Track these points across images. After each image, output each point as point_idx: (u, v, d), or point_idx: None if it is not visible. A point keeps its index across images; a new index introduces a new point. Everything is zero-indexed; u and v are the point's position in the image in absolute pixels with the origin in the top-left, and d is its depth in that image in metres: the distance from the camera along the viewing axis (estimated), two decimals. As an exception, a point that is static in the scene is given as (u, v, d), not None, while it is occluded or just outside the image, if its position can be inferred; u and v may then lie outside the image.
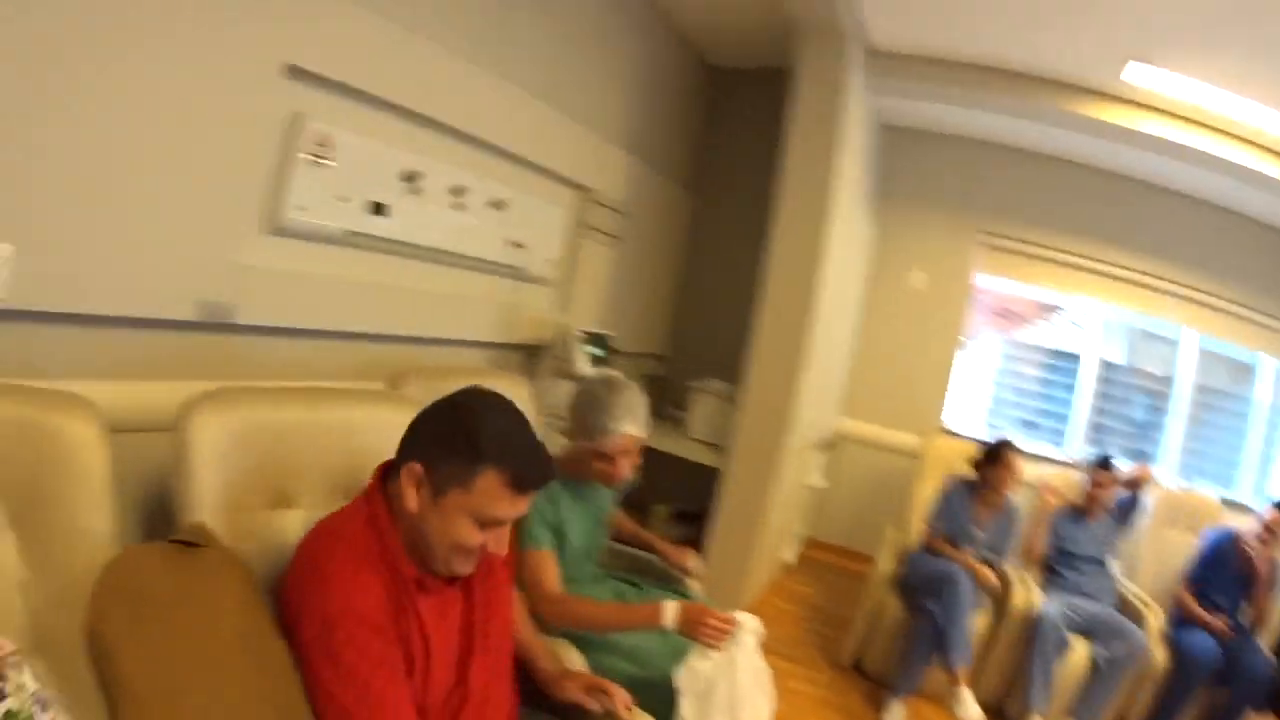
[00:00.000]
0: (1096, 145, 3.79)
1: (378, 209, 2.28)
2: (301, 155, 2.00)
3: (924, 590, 3.03)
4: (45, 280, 1.52)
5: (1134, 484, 3.42)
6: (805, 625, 3.70)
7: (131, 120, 1.59)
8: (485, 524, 1.25)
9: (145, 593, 1.20)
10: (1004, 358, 4.74)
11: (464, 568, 1.30)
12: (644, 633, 1.84)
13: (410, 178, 2.35)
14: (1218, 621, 3.03)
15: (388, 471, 1.34)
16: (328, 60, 2.01)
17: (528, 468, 1.24)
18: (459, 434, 1.23)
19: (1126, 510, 3.41)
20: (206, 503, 1.43)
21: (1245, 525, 3.24)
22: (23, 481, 1.25)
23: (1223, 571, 3.19)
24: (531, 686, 1.57)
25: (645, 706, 1.60)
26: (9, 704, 0.90)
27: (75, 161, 1.51)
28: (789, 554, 4.28)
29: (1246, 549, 3.13)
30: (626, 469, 1.92)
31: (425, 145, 2.41)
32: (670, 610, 1.71)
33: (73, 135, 1.50)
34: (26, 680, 0.96)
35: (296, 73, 1.94)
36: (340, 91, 2.09)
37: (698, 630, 1.67)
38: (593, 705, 1.51)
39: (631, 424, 1.87)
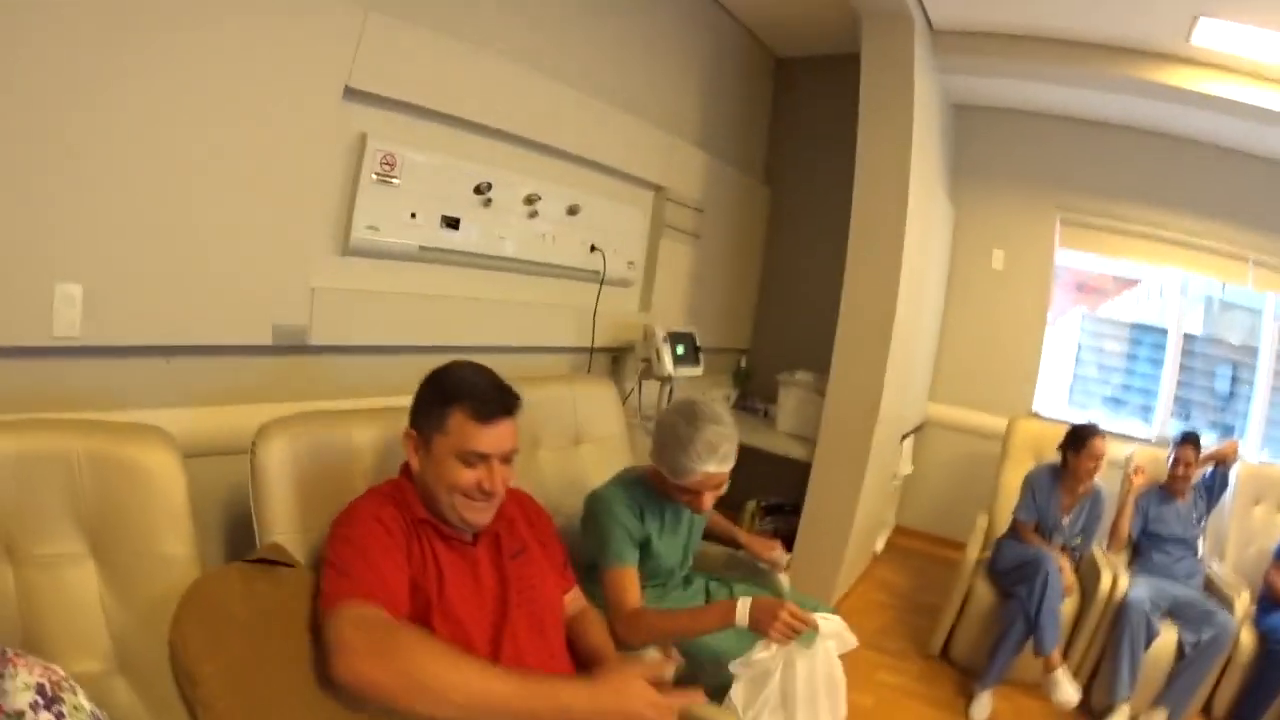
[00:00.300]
0: (1168, 111, 3.54)
1: (450, 223, 2.31)
2: (368, 175, 2.04)
3: (1013, 576, 2.94)
4: (117, 316, 1.59)
5: (1221, 460, 3.21)
6: (894, 614, 3.61)
7: (195, 154, 1.66)
8: (469, 461, 1.36)
9: (224, 613, 1.25)
10: (1086, 334, 4.51)
11: (471, 513, 1.39)
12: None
13: (481, 189, 2.37)
14: None
15: None
16: (388, 80, 2.04)
17: (486, 400, 1.37)
18: (432, 392, 1.42)
19: (1212, 487, 3.22)
20: (280, 523, 1.49)
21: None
22: (103, 512, 1.31)
23: None
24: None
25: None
26: None
27: (142, 198, 1.58)
28: (879, 544, 4.17)
29: None
30: (709, 501, 1.88)
31: (495, 156, 2.43)
32: (743, 607, 1.68)
33: (138, 172, 1.57)
34: (83, 702, 1.01)
35: (357, 95, 1.98)
36: (403, 110, 2.12)
37: (769, 624, 1.64)
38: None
39: (713, 462, 1.79)
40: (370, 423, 1.68)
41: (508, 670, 1.20)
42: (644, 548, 1.90)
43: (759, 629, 1.65)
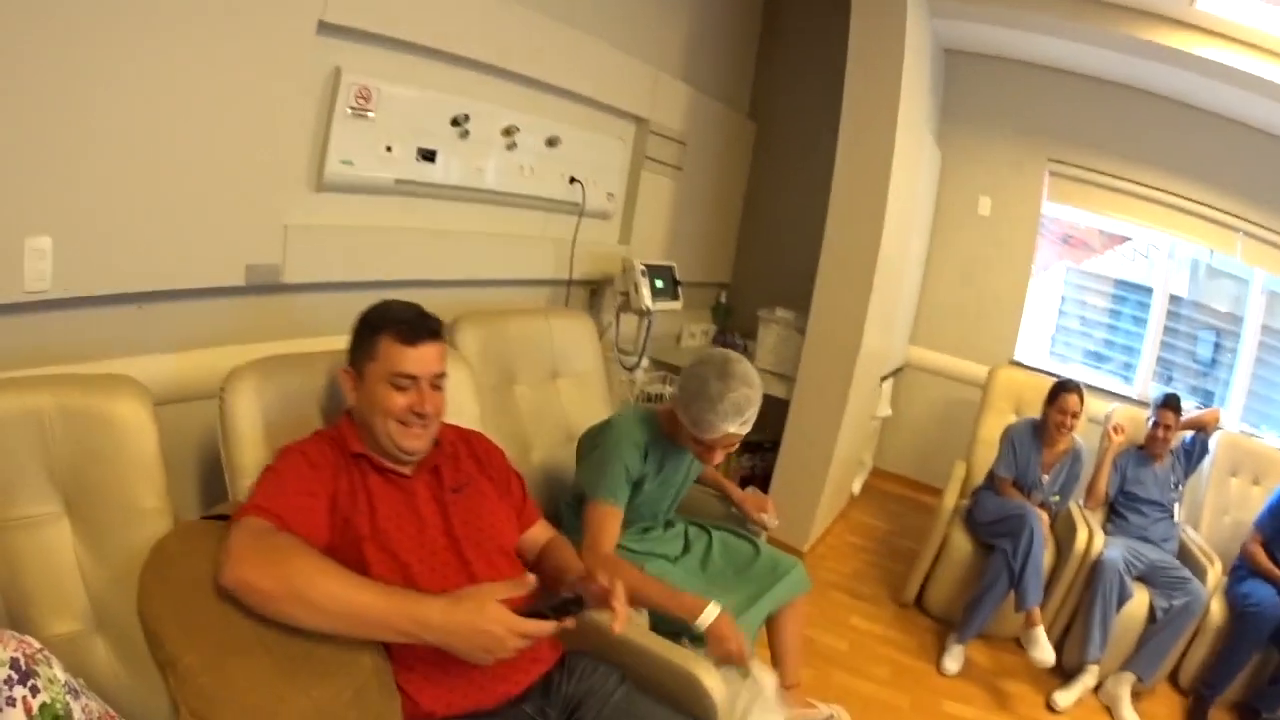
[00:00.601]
0: (1169, 74, 3.48)
1: (426, 156, 2.25)
2: (342, 109, 1.97)
3: (996, 529, 2.96)
4: (88, 266, 1.54)
5: (1201, 426, 3.21)
6: (869, 559, 3.66)
7: (164, 95, 1.57)
8: (400, 384, 1.42)
9: (184, 573, 1.25)
10: (1070, 287, 4.49)
11: (407, 439, 1.43)
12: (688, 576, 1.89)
13: (458, 121, 2.29)
14: None
15: None
16: (363, 13, 1.94)
17: (411, 324, 1.44)
18: (362, 326, 1.48)
19: (1191, 453, 3.22)
20: (250, 469, 1.47)
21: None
22: (76, 468, 1.29)
23: None
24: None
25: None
26: (43, 697, 0.96)
27: (110, 143, 1.51)
28: (856, 485, 4.23)
29: None
30: (720, 457, 1.90)
31: (473, 88, 2.35)
32: (707, 617, 1.69)
33: (105, 117, 1.49)
34: (57, 673, 1.01)
35: (331, 29, 1.88)
36: (378, 42, 2.03)
37: (717, 647, 1.67)
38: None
39: (736, 424, 1.80)
40: (339, 363, 1.63)
41: (376, 584, 1.23)
42: (635, 487, 1.91)
43: (710, 642, 1.68)
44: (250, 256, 1.85)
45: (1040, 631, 2.71)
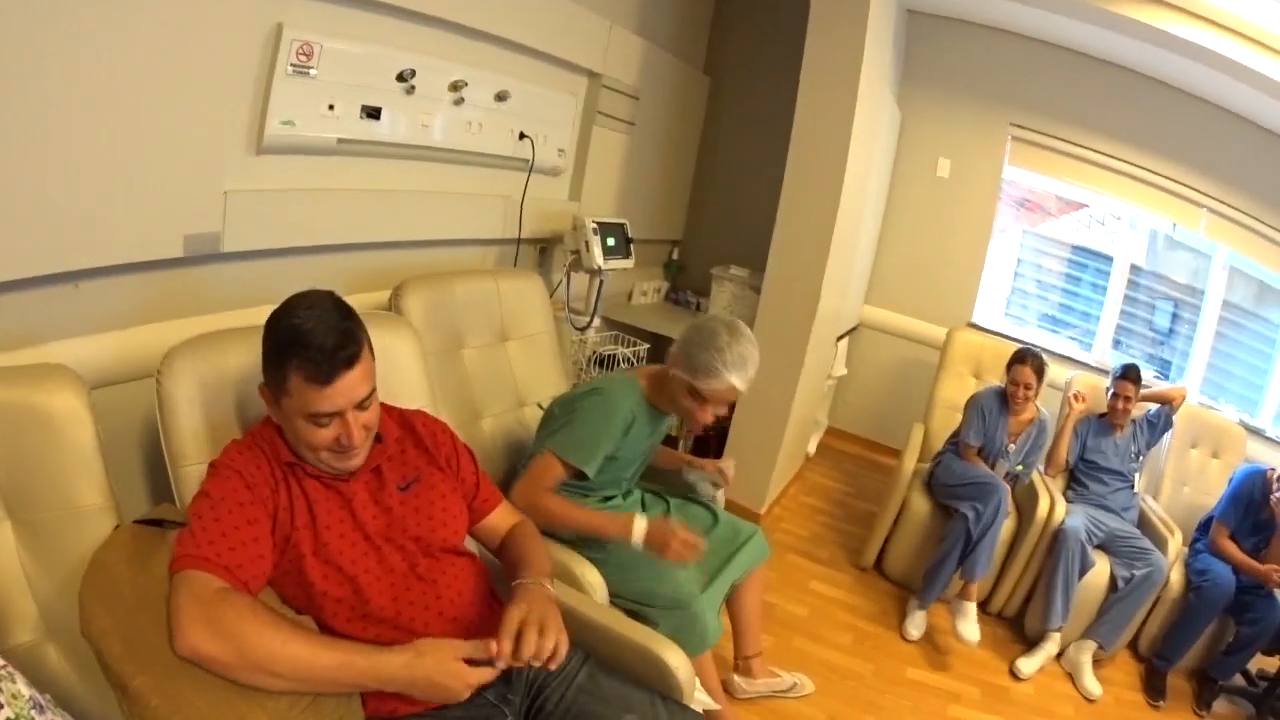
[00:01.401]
0: (1140, 49, 3.45)
1: (371, 113, 2.14)
2: (283, 67, 1.85)
3: (960, 493, 2.95)
4: (17, 246, 1.42)
5: (1167, 400, 3.26)
6: (826, 520, 3.68)
7: (93, 60, 1.44)
8: (319, 421, 1.27)
9: (127, 590, 1.19)
10: (1026, 249, 4.52)
11: (341, 463, 1.33)
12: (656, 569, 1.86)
13: (404, 77, 2.18)
14: (1264, 567, 2.79)
15: None
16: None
17: (319, 360, 1.22)
18: (270, 347, 1.27)
19: (1155, 425, 3.28)
20: (190, 454, 1.42)
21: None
22: (12, 468, 1.22)
23: (1248, 513, 2.98)
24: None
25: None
26: (7, 713, 0.92)
27: (33, 112, 1.37)
28: (811, 446, 4.26)
29: (1274, 495, 2.89)
30: (710, 417, 1.88)
31: (419, 42, 2.23)
32: (640, 527, 1.74)
33: (26, 82, 1.35)
34: (21, 688, 0.97)
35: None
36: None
37: (664, 548, 1.71)
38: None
39: (740, 377, 1.81)
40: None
41: (336, 643, 1.19)
42: (610, 457, 1.91)
43: (654, 551, 1.72)
44: (188, 226, 1.74)
45: (972, 607, 2.74)
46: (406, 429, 1.53)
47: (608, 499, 2.03)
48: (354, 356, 1.26)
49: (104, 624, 1.15)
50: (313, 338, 1.22)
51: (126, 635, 1.13)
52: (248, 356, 1.50)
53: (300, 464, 1.33)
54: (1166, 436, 3.36)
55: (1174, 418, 3.29)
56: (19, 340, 1.47)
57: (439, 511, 1.46)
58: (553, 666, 1.27)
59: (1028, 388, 3.04)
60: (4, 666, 0.96)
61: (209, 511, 1.20)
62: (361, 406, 1.30)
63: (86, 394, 1.33)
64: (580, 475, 1.86)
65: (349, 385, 1.26)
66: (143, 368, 1.56)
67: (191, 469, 1.41)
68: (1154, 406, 3.28)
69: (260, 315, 1.68)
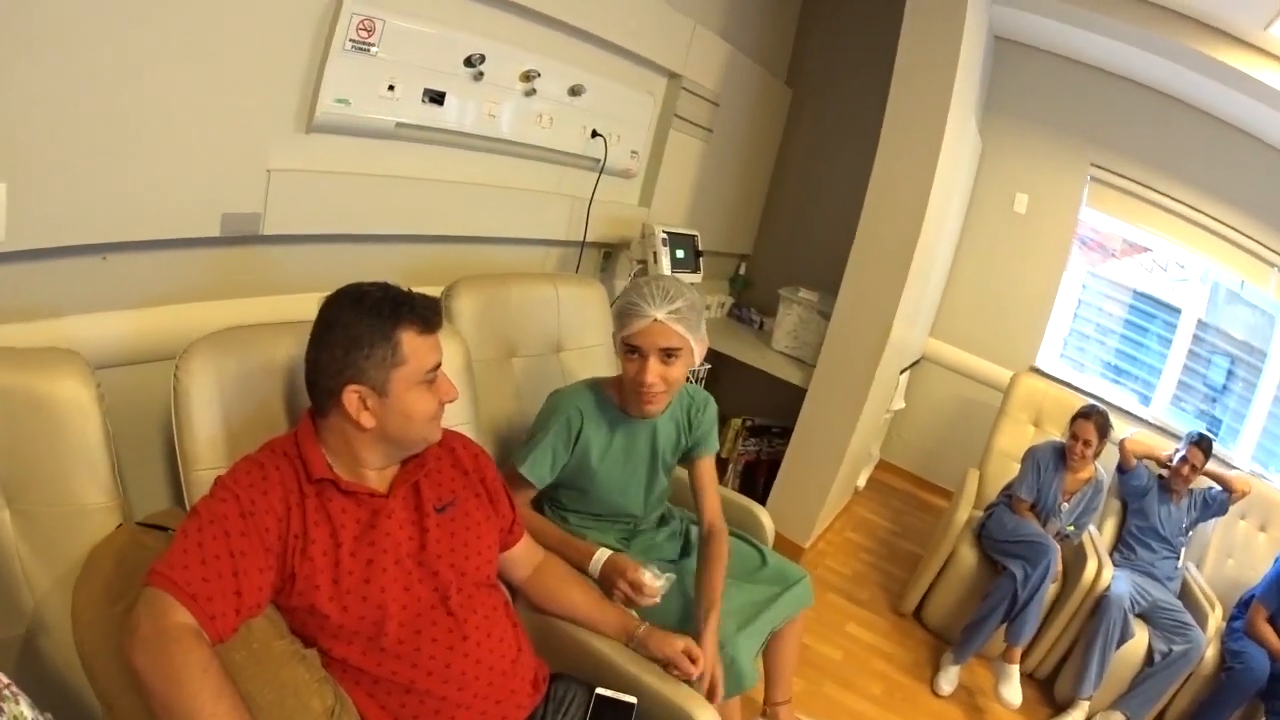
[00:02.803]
0: (1225, 95, 3.25)
1: (434, 97, 2.01)
2: (341, 43, 1.72)
3: (1011, 549, 2.84)
4: (47, 214, 1.32)
5: (1229, 488, 3.04)
6: (869, 560, 3.56)
7: (137, 23, 1.33)
8: (429, 382, 1.25)
9: (120, 599, 1.09)
10: (1089, 291, 4.28)
11: (435, 432, 1.31)
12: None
13: (473, 62, 2.05)
14: None
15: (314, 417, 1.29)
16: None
17: (421, 308, 1.24)
18: (359, 332, 1.19)
19: (1211, 506, 3.07)
20: (204, 458, 1.31)
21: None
22: (12, 454, 1.13)
23: None
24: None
25: None
26: None
27: (73, 78, 1.28)
28: (861, 479, 4.09)
29: None
30: (654, 376, 1.64)
31: (490, 26, 2.10)
32: (598, 559, 1.65)
33: (68, 48, 1.25)
34: (24, 710, 0.90)
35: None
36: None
37: (611, 585, 1.62)
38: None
39: (663, 308, 1.60)
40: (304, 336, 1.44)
41: None
42: (582, 470, 1.77)
43: (604, 585, 1.63)
44: (227, 205, 1.63)
45: (1015, 670, 2.69)
46: (446, 449, 1.41)
47: (633, 532, 1.93)
48: (440, 309, 1.28)
49: (94, 634, 1.07)
50: (405, 299, 1.23)
51: (112, 648, 1.04)
52: (275, 356, 1.40)
53: (335, 481, 1.22)
54: (1214, 521, 3.17)
55: (1230, 506, 3.09)
56: (39, 311, 1.38)
57: (474, 539, 1.35)
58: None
59: (1087, 444, 2.91)
60: (8, 686, 0.89)
61: (194, 534, 1.08)
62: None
63: (94, 383, 1.22)
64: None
65: (442, 341, 1.29)
66: (168, 348, 1.43)
67: (205, 473, 1.30)
68: (1215, 486, 3.09)
69: (297, 304, 1.57)
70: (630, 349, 1.65)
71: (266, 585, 1.12)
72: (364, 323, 1.19)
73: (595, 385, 1.82)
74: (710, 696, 1.52)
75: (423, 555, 1.26)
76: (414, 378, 1.22)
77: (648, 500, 1.92)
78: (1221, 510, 3.08)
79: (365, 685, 1.19)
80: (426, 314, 1.23)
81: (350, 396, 1.19)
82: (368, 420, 1.21)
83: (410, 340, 1.20)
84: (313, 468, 1.20)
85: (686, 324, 1.63)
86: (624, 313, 1.65)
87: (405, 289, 1.24)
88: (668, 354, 1.63)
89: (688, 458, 1.93)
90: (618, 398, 1.79)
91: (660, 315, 1.60)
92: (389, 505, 1.25)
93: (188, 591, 1.02)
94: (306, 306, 1.41)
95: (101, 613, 1.08)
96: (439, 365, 1.26)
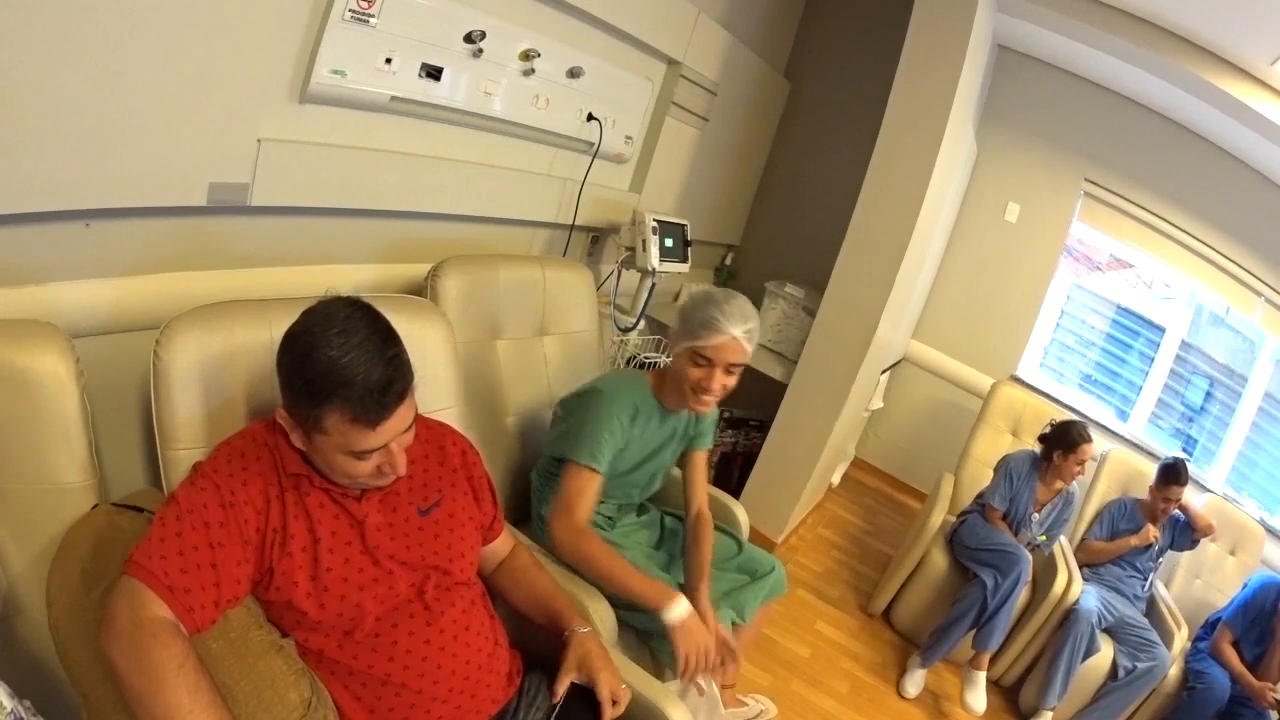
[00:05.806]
0: (1228, 125, 3.26)
1: (431, 73, 1.97)
2: (340, 13, 1.67)
3: (982, 557, 2.85)
4: (28, 177, 1.27)
5: (1194, 523, 3.08)
6: (840, 559, 3.58)
7: None
8: (363, 456, 1.12)
9: (96, 586, 1.06)
10: (1071, 302, 4.31)
11: (377, 482, 1.20)
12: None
13: (473, 38, 2.01)
14: (1259, 685, 2.74)
15: None
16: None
17: (366, 400, 1.07)
18: (295, 377, 1.09)
19: (1175, 538, 3.12)
20: (183, 438, 1.28)
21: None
22: None
23: (1256, 622, 2.88)
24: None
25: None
26: None
27: (57, 35, 1.21)
28: (836, 477, 4.10)
29: None
30: (718, 385, 1.74)
31: (492, 3, 2.05)
32: (675, 612, 1.60)
33: (64, 9, 1.20)
34: (2, 699, 0.90)
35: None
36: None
37: (682, 650, 1.58)
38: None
39: (741, 328, 1.71)
40: (296, 315, 1.41)
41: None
42: (615, 456, 1.79)
43: (675, 645, 1.58)
44: (215, 173, 1.57)
45: (983, 677, 2.72)
46: (433, 445, 1.38)
47: (618, 508, 1.96)
48: (404, 391, 1.12)
49: (69, 623, 1.04)
50: (356, 376, 1.06)
51: (92, 641, 1.00)
52: (259, 335, 1.36)
53: (310, 476, 1.18)
54: (1181, 554, 3.25)
55: (1195, 541, 3.14)
56: (20, 276, 1.34)
57: (458, 540, 1.33)
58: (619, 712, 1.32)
59: (1087, 462, 2.92)
60: None
61: (173, 524, 1.06)
62: (406, 432, 1.17)
63: (74, 358, 1.18)
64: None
65: (398, 420, 1.12)
66: (151, 318, 1.41)
67: (182, 452, 1.27)
68: (1181, 514, 3.12)
69: (283, 277, 1.52)
70: (702, 358, 1.72)
71: (245, 578, 1.10)
72: (298, 374, 1.09)
73: (638, 378, 1.89)
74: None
75: (406, 555, 1.24)
76: (338, 449, 1.11)
77: (647, 487, 1.99)
78: (1190, 545, 3.13)
79: (341, 677, 1.18)
80: (364, 408, 1.07)
81: (281, 416, 1.15)
82: (299, 442, 1.15)
83: (336, 421, 1.08)
84: (288, 462, 1.18)
85: (753, 344, 1.75)
86: (704, 325, 1.71)
87: (377, 351, 1.09)
88: (733, 366, 1.73)
89: (685, 450, 2.02)
90: (655, 387, 1.87)
91: (738, 334, 1.71)
92: (364, 509, 1.22)
93: (165, 583, 1.00)
94: (292, 280, 1.39)
95: (77, 599, 1.05)
96: (383, 448, 1.13)
